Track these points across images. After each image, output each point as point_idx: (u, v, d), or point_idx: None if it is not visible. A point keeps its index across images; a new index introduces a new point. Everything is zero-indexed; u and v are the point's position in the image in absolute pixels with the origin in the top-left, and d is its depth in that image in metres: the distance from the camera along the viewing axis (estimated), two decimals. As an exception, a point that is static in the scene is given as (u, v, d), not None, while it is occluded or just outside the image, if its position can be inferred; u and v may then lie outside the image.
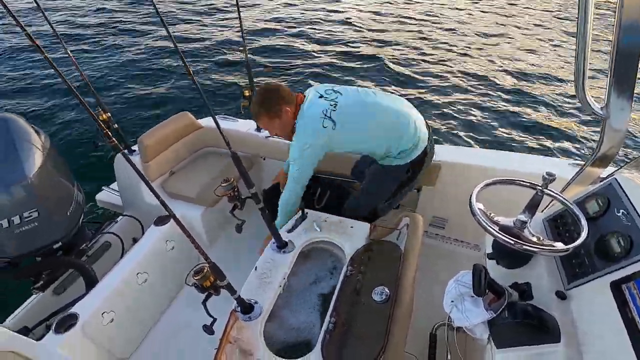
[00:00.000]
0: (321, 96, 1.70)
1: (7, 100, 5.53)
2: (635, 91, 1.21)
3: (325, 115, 1.63)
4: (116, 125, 2.34)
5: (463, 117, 5.34)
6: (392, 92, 5.60)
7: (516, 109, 5.60)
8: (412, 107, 1.84)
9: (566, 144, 4.88)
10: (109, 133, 1.07)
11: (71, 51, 2.27)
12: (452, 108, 5.54)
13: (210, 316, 1.31)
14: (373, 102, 1.72)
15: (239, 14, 2.32)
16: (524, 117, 5.41)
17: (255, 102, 1.71)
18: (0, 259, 1.77)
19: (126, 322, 1.87)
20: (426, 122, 1.87)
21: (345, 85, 1.80)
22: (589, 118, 5.33)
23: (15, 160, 1.66)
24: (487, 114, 5.46)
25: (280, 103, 1.66)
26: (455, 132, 5.03)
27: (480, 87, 6.17)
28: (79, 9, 9.52)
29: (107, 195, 2.76)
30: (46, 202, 1.72)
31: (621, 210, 1.15)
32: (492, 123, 5.26)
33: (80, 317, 1.67)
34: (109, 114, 2.29)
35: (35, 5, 2.17)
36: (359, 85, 5.74)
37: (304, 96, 1.72)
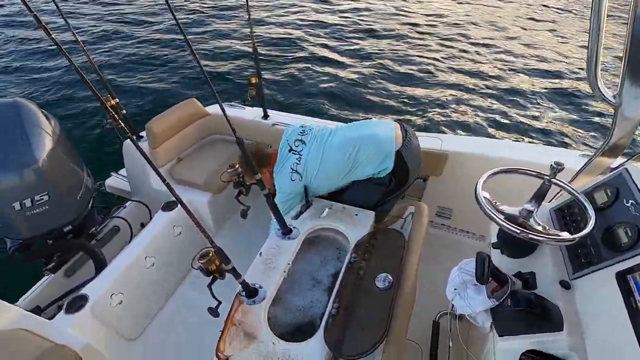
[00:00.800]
0: (290, 149, 1.83)
1: (17, 86, 5.59)
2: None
3: (292, 170, 1.78)
4: (124, 112, 2.36)
5: (471, 107, 5.26)
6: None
7: (526, 98, 5.50)
8: (377, 125, 1.82)
9: (577, 135, 4.79)
10: (116, 117, 1.08)
11: (79, 36, 2.28)
12: (461, 98, 5.46)
13: (216, 299, 1.34)
14: (330, 145, 1.77)
15: (247, 1, 2.30)
16: (533, 107, 5.31)
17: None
18: (12, 241, 1.82)
19: (134, 304, 1.92)
20: (401, 126, 1.83)
21: (312, 130, 1.86)
22: (599, 109, 5.20)
23: (26, 144, 1.69)
24: (495, 103, 5.37)
25: (260, 166, 1.84)
26: (463, 121, 4.96)
27: (489, 76, 6.05)
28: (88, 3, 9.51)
29: (115, 181, 2.80)
30: (56, 185, 1.75)
31: (630, 201, 1.13)
32: (500, 112, 5.17)
33: (90, 298, 1.71)
34: (117, 100, 2.31)
35: None
36: (357, 81, 5.69)
37: (277, 152, 1.88)
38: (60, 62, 6.07)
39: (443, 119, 4.99)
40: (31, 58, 6.39)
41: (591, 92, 1.25)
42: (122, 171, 2.76)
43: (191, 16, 8.24)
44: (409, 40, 7.41)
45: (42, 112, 1.85)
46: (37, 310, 1.85)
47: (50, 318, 1.65)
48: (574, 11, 9.48)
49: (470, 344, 1.54)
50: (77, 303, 1.69)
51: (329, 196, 2.05)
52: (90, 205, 1.99)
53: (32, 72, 5.95)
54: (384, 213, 1.93)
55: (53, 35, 1.05)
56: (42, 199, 1.72)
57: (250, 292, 1.37)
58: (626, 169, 1.23)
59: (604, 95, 1.24)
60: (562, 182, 1.26)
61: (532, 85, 5.87)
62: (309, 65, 6.29)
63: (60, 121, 1.95)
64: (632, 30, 1.09)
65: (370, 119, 1.87)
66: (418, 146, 1.87)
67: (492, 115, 5.11)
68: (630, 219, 1.09)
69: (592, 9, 1.10)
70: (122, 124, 1.10)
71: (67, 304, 1.69)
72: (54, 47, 1.06)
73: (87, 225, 2.09)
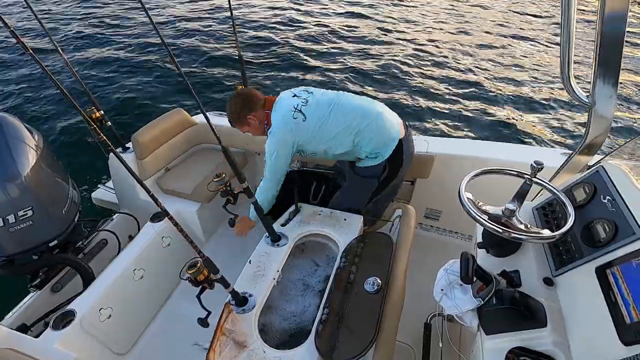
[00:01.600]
0: (294, 95, 1.78)
1: None
2: (619, 79, 1.22)
3: (296, 109, 1.71)
4: (109, 123, 2.34)
5: (454, 110, 5.35)
6: (376, 89, 5.59)
7: (506, 99, 5.62)
8: (385, 107, 1.83)
9: (558, 133, 4.90)
10: (98, 130, 1.08)
11: (62, 49, 2.27)
12: (444, 101, 5.55)
13: (205, 309, 1.33)
14: (342, 102, 1.75)
15: (230, 9, 2.32)
16: (514, 108, 5.42)
17: (227, 109, 1.84)
18: None
19: (123, 318, 1.89)
20: (403, 122, 1.87)
21: (319, 88, 1.85)
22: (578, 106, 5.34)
23: (9, 159, 1.66)
24: (478, 105, 5.47)
25: (244, 112, 1.78)
26: (448, 124, 5.04)
27: (470, 80, 6.16)
28: (65, 6, 9.44)
29: (103, 193, 2.76)
30: (41, 200, 1.73)
31: (607, 197, 1.16)
32: (484, 114, 5.27)
33: (78, 313, 1.68)
34: (102, 112, 2.29)
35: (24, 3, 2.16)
36: (342, 86, 5.78)
37: (275, 98, 1.82)
38: (43, 76, 5.97)
39: (428, 122, 5.06)
40: (11, 71, 6.29)
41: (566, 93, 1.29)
42: (110, 183, 2.74)
43: (176, 24, 8.23)
44: (391, 46, 7.50)
45: (25, 125, 1.82)
46: (24, 328, 1.81)
47: (37, 336, 1.61)
48: (545, 14, 9.73)
49: (461, 345, 1.56)
50: (64, 319, 1.66)
51: (321, 198, 2.06)
52: (76, 218, 1.96)
53: (13, 85, 5.86)
54: (377, 216, 1.94)
55: (34, 45, 1.05)
56: (27, 214, 1.69)
57: (240, 300, 1.37)
58: (602, 166, 1.27)
59: (578, 95, 1.28)
60: (543, 181, 1.30)
61: (512, 87, 5.99)
62: (296, 72, 6.33)
63: (45, 134, 1.93)
64: (600, 31, 1.13)
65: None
66: (413, 143, 1.91)
67: (476, 117, 5.20)
68: (607, 215, 1.12)
69: (562, 13, 1.14)
70: (105, 138, 1.10)
71: (54, 320, 1.65)
72: (36, 62, 1.06)
73: (73, 240, 2.05)
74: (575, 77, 1.26)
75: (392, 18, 9.06)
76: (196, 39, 7.52)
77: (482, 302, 1.11)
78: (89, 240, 2.24)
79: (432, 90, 5.83)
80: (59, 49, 2.25)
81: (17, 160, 1.68)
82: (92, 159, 4.10)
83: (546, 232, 1.14)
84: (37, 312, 1.92)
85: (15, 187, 1.64)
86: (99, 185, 2.84)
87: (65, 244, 1.97)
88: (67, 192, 1.92)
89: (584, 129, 1.43)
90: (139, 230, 2.19)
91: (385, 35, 7.98)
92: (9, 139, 1.71)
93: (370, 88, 5.84)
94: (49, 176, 1.82)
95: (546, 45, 7.63)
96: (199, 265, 1.23)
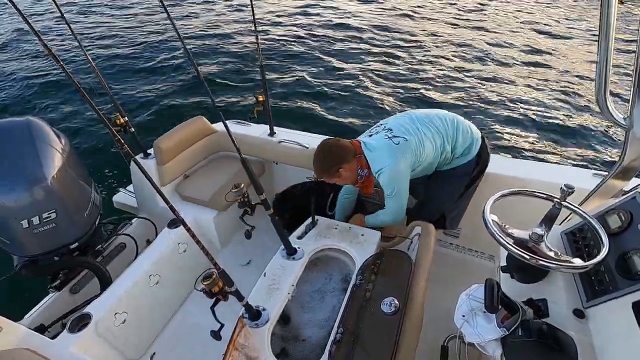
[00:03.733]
0: (370, 135, 1.79)
1: (28, 105, 5.74)
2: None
3: (389, 137, 1.68)
4: (132, 130, 2.39)
5: (483, 125, 5.23)
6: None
7: (538, 115, 5.46)
8: (455, 114, 1.88)
9: (591, 155, 4.71)
10: (121, 140, 1.09)
11: (89, 55, 2.34)
12: (473, 116, 5.44)
13: (218, 322, 1.32)
14: (418, 114, 1.80)
15: (254, 18, 2.34)
16: (546, 125, 5.26)
17: (314, 162, 1.76)
18: (19, 258, 1.83)
19: (137, 324, 1.90)
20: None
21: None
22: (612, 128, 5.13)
23: (36, 162, 1.71)
24: (504, 123, 5.33)
25: (336, 165, 1.70)
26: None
27: (498, 97, 6.03)
28: (94, 14, 9.83)
29: (123, 197, 2.82)
30: (64, 203, 1.77)
31: None
32: (510, 130, 5.13)
33: (94, 317, 1.70)
34: (126, 118, 2.34)
35: (57, 10, 2.25)
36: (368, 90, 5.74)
37: (359, 142, 1.76)
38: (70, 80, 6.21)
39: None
40: (41, 75, 6.56)
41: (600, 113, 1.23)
42: (131, 187, 2.79)
43: (199, 33, 8.44)
44: (422, 52, 7.46)
45: (53, 130, 1.88)
46: (42, 329, 1.84)
47: (54, 337, 1.64)
48: (585, 22, 9.48)
49: (481, 371, 1.49)
50: (80, 322, 1.68)
51: (418, 182, 1.99)
52: (97, 222, 2.00)
53: (41, 90, 6.09)
54: (457, 217, 2.02)
55: (61, 49, 1.08)
56: (50, 216, 1.73)
57: (253, 314, 1.35)
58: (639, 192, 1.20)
59: (614, 117, 1.22)
60: (573, 206, 1.23)
61: (544, 104, 5.82)
62: (317, 78, 6.36)
63: (71, 137, 1.98)
64: None
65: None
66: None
67: (504, 133, 5.06)
68: None
69: (600, 29, 1.09)
70: (127, 147, 1.11)
71: (70, 323, 1.68)
72: (62, 71, 1.09)
73: (93, 242, 2.09)
74: (612, 95, 1.21)
75: (417, 32, 9.03)
76: (217, 46, 7.70)
77: (507, 333, 1.05)
78: (108, 244, 2.28)
79: (460, 105, 5.73)
80: (87, 54, 2.31)
81: (43, 164, 1.73)
82: (115, 162, 4.20)
83: (578, 262, 1.08)
84: (55, 313, 1.96)
85: (41, 190, 1.68)
86: (120, 189, 2.89)
87: (85, 247, 2.01)
88: (90, 196, 1.96)
89: (620, 151, 1.36)
90: (156, 235, 2.21)
91: (414, 44, 7.95)
92: (37, 142, 1.76)
93: (400, 95, 5.79)
94: (74, 180, 1.87)
95: (581, 63, 7.41)
96: (214, 276, 1.22)
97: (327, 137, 1.91)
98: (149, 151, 2.48)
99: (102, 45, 7.81)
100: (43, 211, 1.70)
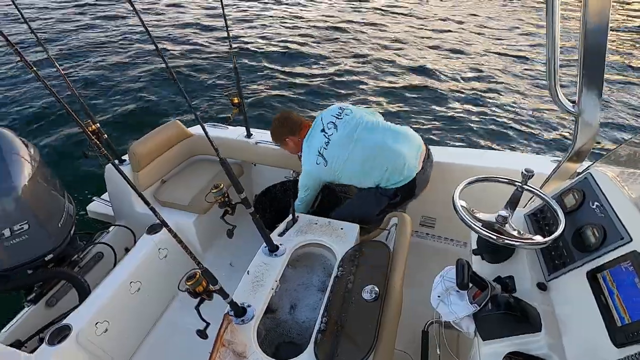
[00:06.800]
0: (322, 129, 1.89)
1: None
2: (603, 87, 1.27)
3: (319, 153, 1.84)
4: (105, 136, 2.35)
5: (446, 119, 5.45)
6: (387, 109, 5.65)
7: (496, 108, 5.74)
8: (407, 139, 1.89)
9: (548, 141, 5.00)
10: (99, 143, 1.09)
11: (56, 60, 2.28)
12: (435, 111, 5.65)
13: (204, 321, 1.33)
14: (361, 141, 1.82)
15: (225, 21, 2.36)
16: (504, 116, 5.53)
17: (272, 126, 2.07)
18: None
19: (120, 332, 1.88)
20: (425, 145, 1.97)
21: (347, 115, 1.91)
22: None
23: (5, 173, 1.66)
24: (469, 114, 5.57)
25: (284, 134, 2.01)
26: (440, 133, 5.12)
27: (460, 89, 6.29)
28: (59, 15, 9.46)
29: (98, 206, 2.75)
30: (36, 214, 1.72)
31: (595, 203, 1.20)
32: (474, 123, 5.36)
33: (74, 328, 1.67)
34: (98, 125, 2.30)
35: (18, 13, 2.19)
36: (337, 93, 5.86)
37: (310, 126, 1.96)
38: (39, 88, 5.96)
39: (422, 131, 5.14)
40: (5, 83, 6.26)
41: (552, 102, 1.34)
42: (105, 195, 2.73)
43: (170, 35, 8.29)
44: (389, 51, 7.64)
45: (21, 139, 1.82)
46: (18, 344, 1.78)
47: (32, 351, 1.59)
48: (533, 24, 9.99)
49: (459, 351, 1.57)
50: (60, 334, 1.64)
51: (328, 205, 2.14)
52: (72, 232, 1.95)
53: (7, 98, 5.83)
54: (377, 224, 1.99)
55: (29, 59, 1.07)
56: (22, 227, 1.68)
57: (239, 311, 1.37)
58: (590, 173, 1.31)
59: (564, 105, 1.33)
60: (533, 188, 1.33)
61: (502, 96, 6.12)
62: (291, 82, 6.40)
63: (40, 148, 1.93)
64: (583, 42, 1.18)
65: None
66: (431, 168, 2.00)
67: (468, 126, 5.29)
68: (596, 220, 1.15)
69: (546, 24, 1.19)
70: (105, 151, 1.11)
71: (49, 336, 1.63)
72: (31, 73, 1.08)
73: (69, 253, 2.04)
74: (561, 85, 1.31)
75: (380, 25, 9.23)
76: (191, 48, 7.58)
77: (478, 308, 1.13)
78: (85, 254, 2.23)
79: (423, 99, 5.93)
80: (54, 61, 2.26)
81: (12, 174, 1.68)
82: (86, 171, 4.08)
83: (538, 238, 1.17)
84: (31, 327, 1.90)
85: (11, 201, 1.63)
86: (94, 198, 2.82)
87: (60, 258, 1.96)
88: (63, 206, 1.92)
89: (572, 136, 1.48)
90: (135, 242, 2.18)
91: (385, 42, 8.12)
92: (5, 153, 1.71)
93: (371, 97, 5.92)
94: (45, 190, 1.82)
95: (535, 54, 7.81)
96: (197, 276, 1.24)
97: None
98: (123, 157, 2.44)
99: (68, 51, 7.51)
100: (14, 223, 1.66)
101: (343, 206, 2.08)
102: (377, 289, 1.38)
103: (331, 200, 2.26)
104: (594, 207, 1.20)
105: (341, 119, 1.89)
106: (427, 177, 1.97)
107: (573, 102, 1.34)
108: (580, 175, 1.37)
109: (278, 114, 2.09)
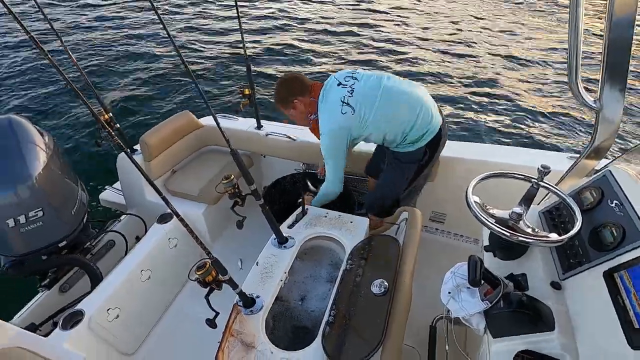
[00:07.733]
0: (339, 83, 1.78)
1: (10, 102, 5.56)
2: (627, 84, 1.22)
3: (343, 102, 1.72)
4: (118, 126, 2.37)
5: (460, 113, 5.35)
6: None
7: (514, 103, 5.61)
8: (427, 93, 1.86)
9: (565, 137, 4.89)
10: (112, 132, 1.10)
11: (71, 51, 2.30)
12: (450, 104, 5.55)
13: (213, 310, 1.34)
14: (387, 88, 1.75)
15: (238, 12, 2.34)
16: (522, 111, 5.42)
17: (275, 91, 1.88)
18: (6, 258, 1.81)
19: (131, 318, 1.91)
20: (439, 108, 1.91)
21: (363, 71, 1.85)
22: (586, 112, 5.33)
23: (20, 161, 1.69)
24: (485, 108, 5.47)
25: (292, 95, 1.81)
26: (453, 127, 5.04)
27: (477, 83, 6.16)
28: (76, 7, 9.53)
29: (110, 195, 2.79)
30: (51, 201, 1.75)
31: (614, 202, 1.17)
32: (491, 117, 5.27)
33: (86, 313, 1.70)
34: (111, 114, 2.32)
35: (35, 4, 2.21)
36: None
37: (322, 85, 1.81)
38: (52, 77, 6.04)
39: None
40: (22, 73, 6.36)
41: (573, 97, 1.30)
42: (117, 185, 2.76)
43: (184, 27, 8.30)
44: (403, 46, 7.53)
45: (36, 127, 1.85)
46: (33, 328, 1.83)
47: (46, 335, 1.63)
48: (553, 17, 9.72)
49: (467, 347, 1.56)
50: (72, 319, 1.68)
51: (362, 175, 2.11)
52: (84, 219, 1.98)
53: (23, 87, 5.93)
54: (410, 199, 2.01)
55: (46, 49, 1.07)
56: (37, 214, 1.71)
57: (248, 302, 1.38)
58: (610, 170, 1.27)
59: (585, 100, 1.29)
60: (549, 185, 1.30)
61: (520, 90, 5.98)
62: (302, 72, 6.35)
63: (54, 137, 1.96)
64: (608, 35, 1.14)
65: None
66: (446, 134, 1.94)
67: (482, 121, 5.19)
68: (615, 219, 1.12)
69: (569, 17, 1.15)
70: (118, 140, 1.12)
71: (62, 320, 1.67)
72: (46, 63, 1.09)
73: (81, 240, 2.08)
74: (582, 80, 1.27)
75: (391, 19, 9.09)
76: (203, 40, 7.58)
77: (490, 305, 1.12)
78: (97, 241, 2.27)
79: (439, 92, 5.84)
80: (68, 50, 2.28)
81: (28, 162, 1.70)
82: (99, 160, 4.13)
83: (553, 236, 1.15)
84: (45, 311, 1.94)
85: (26, 189, 1.66)
86: (106, 187, 2.86)
87: (73, 245, 2.00)
88: (76, 193, 1.95)
89: (591, 133, 1.43)
90: (146, 231, 2.21)
91: (400, 38, 8.01)
92: (20, 141, 1.74)
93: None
94: (59, 177, 1.85)
95: (554, 49, 7.61)
96: (207, 266, 1.25)
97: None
98: (135, 147, 2.47)
99: (82, 40, 7.58)
100: (29, 210, 1.69)
101: (371, 191, 2.06)
102: (386, 283, 1.37)
103: (343, 192, 2.24)
104: (613, 205, 1.16)
105: (358, 73, 1.83)
106: (446, 136, 1.92)
107: (595, 97, 1.30)
108: (598, 173, 1.33)
109: (282, 75, 1.91)
